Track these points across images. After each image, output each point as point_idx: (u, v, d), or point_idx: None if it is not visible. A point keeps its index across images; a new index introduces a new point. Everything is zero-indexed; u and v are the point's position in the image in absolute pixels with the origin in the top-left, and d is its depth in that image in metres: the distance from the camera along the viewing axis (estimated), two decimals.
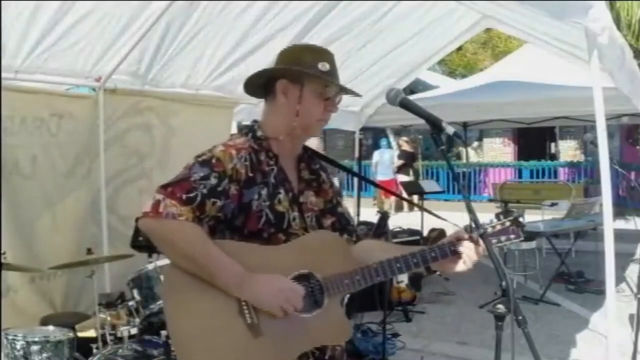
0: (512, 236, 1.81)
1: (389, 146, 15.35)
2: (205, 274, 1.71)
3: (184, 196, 1.71)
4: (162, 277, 1.83)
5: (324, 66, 1.88)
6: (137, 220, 1.79)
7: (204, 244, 1.71)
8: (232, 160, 1.79)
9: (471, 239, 1.76)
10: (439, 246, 1.79)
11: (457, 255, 1.77)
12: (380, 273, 1.78)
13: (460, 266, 1.79)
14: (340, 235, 1.96)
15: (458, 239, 1.78)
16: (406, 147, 14.28)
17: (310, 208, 1.93)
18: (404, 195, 13.12)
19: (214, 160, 1.78)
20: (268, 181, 1.84)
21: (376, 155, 14.58)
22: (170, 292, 1.79)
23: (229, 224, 1.80)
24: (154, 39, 4.19)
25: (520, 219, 1.83)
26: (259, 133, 1.90)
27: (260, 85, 1.96)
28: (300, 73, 1.86)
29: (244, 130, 1.95)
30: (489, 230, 1.79)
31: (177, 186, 1.74)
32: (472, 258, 1.76)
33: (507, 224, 1.81)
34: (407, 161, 14.15)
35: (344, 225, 2.01)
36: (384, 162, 14.35)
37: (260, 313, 1.73)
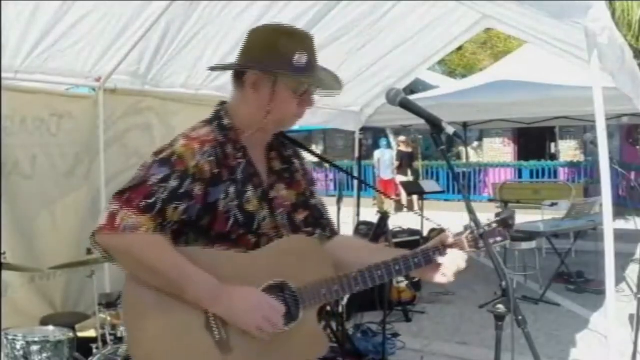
0: (499, 238, 1.73)
1: (389, 146, 15.38)
2: (174, 288, 1.56)
3: (142, 203, 1.54)
4: (124, 302, 1.66)
5: (301, 58, 1.66)
6: (92, 235, 1.58)
7: (170, 256, 1.56)
8: (194, 157, 1.61)
9: (457, 245, 1.69)
10: (423, 252, 1.70)
11: (439, 263, 1.69)
12: (360, 282, 1.66)
13: (440, 277, 1.71)
14: (314, 231, 1.82)
15: (442, 245, 1.70)
16: (403, 148, 14.30)
17: (281, 203, 1.77)
18: (403, 195, 13.18)
19: (174, 158, 1.60)
20: (236, 177, 1.67)
21: (377, 154, 14.64)
22: (130, 310, 1.62)
23: (194, 225, 1.63)
24: (154, 39, 4.19)
25: (510, 221, 1.75)
26: (226, 121, 1.72)
27: (233, 73, 1.77)
28: (273, 70, 1.66)
29: (210, 117, 1.76)
30: (476, 233, 1.70)
31: (134, 192, 1.56)
32: (453, 269, 1.69)
33: (494, 225, 1.73)
34: (405, 161, 14.16)
35: (317, 219, 1.85)
36: (385, 162, 14.41)
37: (230, 327, 1.59)
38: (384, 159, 14.50)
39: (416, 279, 5.80)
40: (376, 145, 15.50)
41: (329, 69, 1.79)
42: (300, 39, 1.71)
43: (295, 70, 1.66)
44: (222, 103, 1.79)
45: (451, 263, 1.69)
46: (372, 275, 1.67)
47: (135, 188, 1.57)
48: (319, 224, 1.85)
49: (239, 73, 1.72)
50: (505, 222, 1.74)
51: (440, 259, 1.69)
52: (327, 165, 16.87)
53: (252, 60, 1.69)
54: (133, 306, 1.60)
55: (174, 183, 1.58)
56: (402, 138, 14.26)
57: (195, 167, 1.60)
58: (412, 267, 1.69)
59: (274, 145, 1.82)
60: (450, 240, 1.71)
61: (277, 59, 1.65)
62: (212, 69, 1.89)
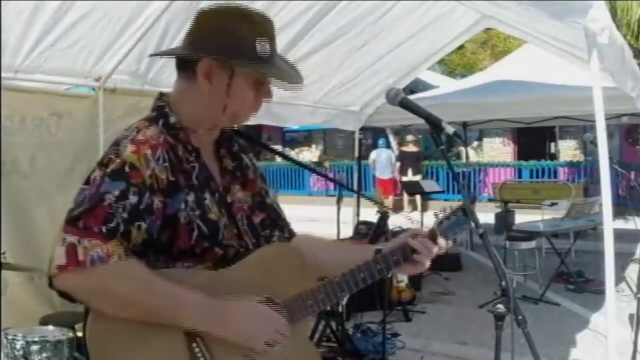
0: (465, 226, 1.68)
1: (388, 146, 15.39)
2: (162, 317, 1.36)
3: (103, 229, 1.32)
4: (90, 345, 1.40)
5: (263, 48, 1.47)
6: (50, 279, 1.40)
7: (152, 282, 1.36)
8: (149, 165, 1.40)
9: (431, 236, 1.64)
10: (401, 248, 1.62)
11: (416, 254, 1.62)
12: (345, 287, 1.55)
13: (416, 268, 1.65)
14: (272, 234, 1.69)
15: (414, 236, 1.65)
16: (410, 148, 14.16)
17: (240, 207, 1.60)
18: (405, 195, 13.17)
19: (127, 169, 1.37)
20: (192, 184, 1.48)
21: (373, 154, 14.66)
22: (99, 354, 1.37)
23: (154, 243, 1.42)
24: (154, 39, 4.19)
25: (468, 209, 1.69)
26: (173, 119, 1.50)
27: (177, 59, 1.57)
28: (232, 62, 1.46)
29: (153, 115, 1.54)
30: (439, 224, 1.66)
31: (90, 217, 1.32)
32: (429, 256, 1.62)
33: (453, 217, 1.68)
34: (411, 162, 14.10)
35: (274, 221, 1.71)
36: (382, 162, 14.44)
37: (218, 356, 1.41)
38: (380, 159, 14.53)
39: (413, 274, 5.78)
40: (375, 145, 15.53)
41: (285, 58, 1.62)
42: (261, 25, 1.51)
43: (256, 60, 1.47)
44: (163, 96, 1.58)
45: (425, 250, 1.62)
46: (355, 279, 1.56)
47: (90, 212, 1.33)
48: (276, 225, 1.72)
49: (187, 61, 1.51)
50: (462, 210, 1.68)
51: (418, 248, 1.63)
52: (327, 164, 16.88)
53: (206, 47, 1.47)
54: (103, 349, 1.37)
55: (133, 200, 1.36)
56: (410, 138, 14.18)
57: (152, 177, 1.40)
58: (392, 265, 1.61)
59: (221, 141, 1.63)
60: (424, 232, 1.66)
61: (235, 46, 1.45)
62: (156, 55, 1.68)
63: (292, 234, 1.76)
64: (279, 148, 18.19)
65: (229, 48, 1.45)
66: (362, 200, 7.91)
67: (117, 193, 1.35)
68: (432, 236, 1.64)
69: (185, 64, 1.52)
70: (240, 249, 1.56)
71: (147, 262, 1.41)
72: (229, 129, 1.65)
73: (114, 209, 1.34)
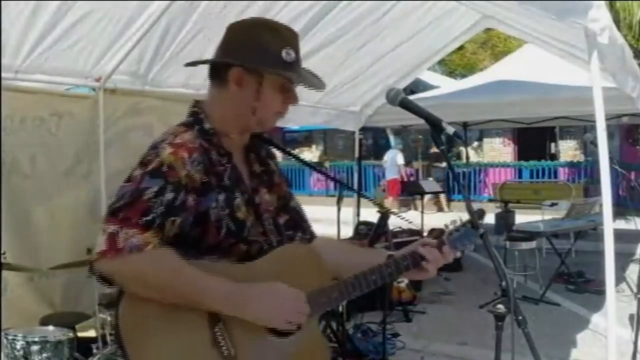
0: (473, 238, 1.76)
1: (397, 145, 15.45)
2: (190, 301, 1.48)
3: (141, 220, 1.45)
4: (121, 323, 1.51)
5: (289, 55, 1.62)
6: (91, 264, 1.49)
7: (182, 268, 1.48)
8: (185, 166, 1.53)
9: (437, 245, 1.74)
10: (412, 255, 1.73)
11: (424, 262, 1.73)
12: (357, 288, 1.67)
13: (422, 274, 1.77)
14: (295, 234, 1.81)
15: (424, 245, 1.75)
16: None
17: (266, 209, 1.73)
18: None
19: (164, 168, 1.51)
20: (223, 184, 1.61)
21: (386, 155, 14.79)
22: (131, 332, 1.48)
23: (185, 238, 1.55)
24: (154, 39, 4.19)
25: (479, 220, 1.76)
26: (207, 125, 1.64)
27: (209, 65, 1.71)
28: (261, 68, 1.60)
29: (189, 120, 1.67)
30: (448, 235, 1.75)
31: (130, 210, 1.45)
32: (436, 265, 1.73)
33: (462, 229, 1.76)
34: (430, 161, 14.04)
35: (297, 222, 1.84)
36: (388, 162, 14.52)
37: (238, 341, 1.53)
38: (388, 158, 14.59)
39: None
40: (387, 145, 15.62)
41: (308, 69, 1.75)
42: (286, 35, 1.66)
43: (283, 67, 1.61)
44: (198, 103, 1.71)
45: (433, 259, 1.73)
46: (367, 281, 1.68)
47: (130, 205, 1.46)
48: (299, 227, 1.84)
49: (220, 70, 1.65)
50: (472, 223, 1.75)
51: (428, 256, 1.73)
52: (327, 164, 16.88)
53: (236, 56, 1.62)
54: (134, 328, 1.49)
55: (169, 196, 1.49)
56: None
57: (187, 177, 1.53)
58: (402, 269, 1.73)
59: (251, 146, 1.77)
60: (433, 242, 1.75)
61: (264, 55, 1.60)
62: (191, 64, 1.79)
63: (312, 236, 1.88)
64: None
65: (257, 56, 1.60)
66: (362, 200, 7.92)
67: (155, 189, 1.48)
68: (440, 246, 1.74)
69: (218, 73, 1.66)
70: (264, 245, 1.68)
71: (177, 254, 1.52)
72: (258, 134, 1.77)
73: (151, 203, 1.47)
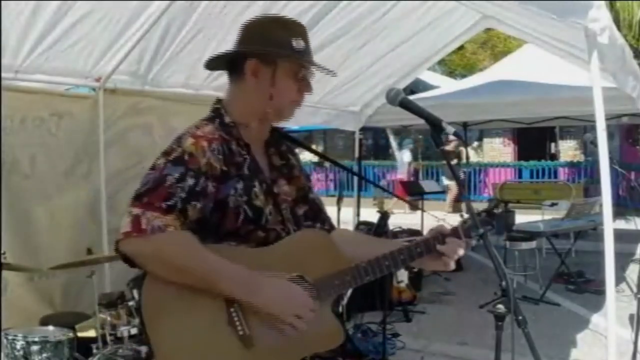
0: (487, 227, 1.79)
1: (407, 145, 15.42)
2: (206, 283, 1.56)
3: (163, 205, 1.55)
4: (143, 300, 1.62)
5: (298, 43, 1.73)
6: (116, 243, 1.58)
7: (200, 251, 1.57)
8: (205, 154, 1.63)
9: (453, 233, 1.76)
10: (425, 242, 1.76)
11: (439, 252, 1.75)
12: (370, 272, 1.72)
13: (440, 265, 1.77)
14: (314, 224, 1.89)
15: (441, 234, 1.77)
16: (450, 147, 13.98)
17: (285, 199, 1.82)
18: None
19: (186, 157, 1.61)
20: (242, 173, 1.70)
21: (399, 154, 14.80)
22: (152, 312, 1.59)
23: (205, 223, 1.64)
24: (154, 39, 4.19)
25: (496, 210, 1.83)
26: (227, 119, 1.75)
27: (224, 62, 1.81)
28: (274, 54, 1.71)
29: (211, 115, 1.78)
30: (462, 224, 1.77)
31: (153, 195, 1.56)
32: (454, 256, 1.74)
33: (477, 217, 1.77)
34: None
35: (316, 213, 1.91)
36: (400, 161, 14.54)
37: (252, 323, 1.60)
38: (400, 158, 14.60)
39: (416, 269, 5.80)
40: (401, 145, 15.61)
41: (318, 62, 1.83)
42: (294, 27, 1.78)
43: (293, 52, 1.71)
44: (219, 101, 1.81)
45: (451, 251, 1.75)
46: (380, 265, 1.73)
47: (153, 190, 1.57)
48: (318, 218, 1.91)
49: (237, 65, 1.75)
50: (490, 212, 1.81)
51: (440, 248, 1.75)
52: (327, 164, 16.87)
53: (251, 48, 1.74)
54: (154, 305, 1.59)
55: (190, 182, 1.58)
56: (452, 137, 13.95)
57: (207, 165, 1.62)
58: (415, 256, 1.76)
59: (271, 141, 1.86)
60: (448, 229, 1.78)
61: (275, 44, 1.71)
62: (209, 61, 1.83)
63: (331, 227, 1.95)
64: None
65: (269, 45, 1.71)
66: (362, 200, 7.93)
67: (176, 175, 1.58)
68: (455, 234, 1.76)
69: (235, 69, 1.77)
70: (282, 233, 1.76)
71: (197, 238, 1.60)
72: (276, 131, 1.87)
73: (173, 189, 1.57)
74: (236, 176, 1.68)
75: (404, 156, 14.70)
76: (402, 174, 14.52)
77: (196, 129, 1.69)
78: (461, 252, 1.75)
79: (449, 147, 13.81)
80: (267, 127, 1.83)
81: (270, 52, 1.71)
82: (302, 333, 1.64)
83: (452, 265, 1.77)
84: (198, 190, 1.59)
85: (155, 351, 1.58)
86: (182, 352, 1.56)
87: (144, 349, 3.10)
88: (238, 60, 1.75)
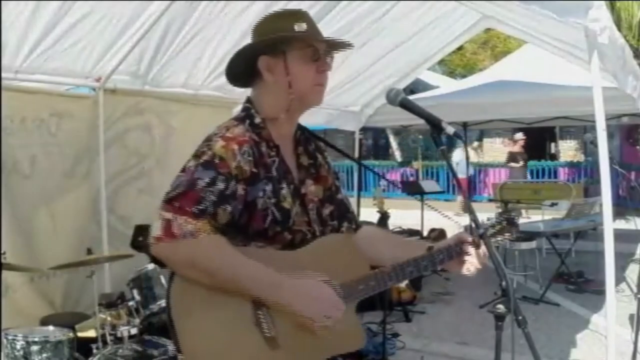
0: (507, 234, 1.91)
1: (460, 144, 15.30)
2: (236, 286, 1.58)
3: (195, 209, 1.56)
4: (171, 299, 1.63)
5: (300, 26, 1.72)
6: (148, 246, 1.61)
7: (231, 255, 1.58)
8: (235, 158, 1.63)
9: (473, 242, 1.80)
10: (447, 249, 1.81)
11: (461, 257, 1.81)
12: (394, 278, 1.75)
13: (462, 269, 1.83)
14: (340, 224, 1.89)
15: (461, 241, 1.82)
16: (513, 147, 13.69)
17: (311, 199, 1.82)
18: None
19: (217, 160, 1.61)
20: (271, 175, 1.71)
21: (455, 154, 14.57)
22: (180, 311, 1.60)
23: (234, 224, 1.65)
24: (154, 39, 4.19)
25: (515, 219, 1.92)
26: (257, 119, 1.76)
27: (242, 71, 1.81)
28: (276, 41, 1.71)
29: (241, 115, 1.78)
30: (490, 231, 1.85)
31: (184, 198, 1.56)
32: (476, 264, 1.80)
33: (504, 223, 1.89)
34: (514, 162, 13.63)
35: (343, 213, 1.92)
36: (460, 162, 14.34)
37: (278, 324, 1.62)
38: (457, 159, 14.40)
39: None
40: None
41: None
42: (295, 14, 1.78)
43: (296, 35, 1.72)
44: (249, 98, 1.82)
45: (475, 258, 1.80)
46: (403, 272, 1.76)
47: (184, 194, 1.57)
48: (345, 217, 1.92)
49: (252, 67, 1.76)
50: (512, 221, 1.90)
51: (465, 257, 1.81)
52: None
53: (257, 46, 1.75)
54: (181, 304, 1.60)
55: (220, 186, 1.59)
56: (518, 135, 13.29)
57: (237, 168, 1.63)
58: (437, 263, 1.81)
59: (300, 140, 1.87)
60: (469, 238, 1.82)
61: (278, 32, 1.72)
62: (230, 76, 1.85)
63: (358, 225, 1.96)
64: None
65: (272, 38, 1.71)
66: (362, 200, 7.93)
67: (207, 180, 1.59)
68: (476, 242, 1.80)
69: (252, 70, 1.77)
70: (307, 235, 1.77)
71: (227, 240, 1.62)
72: (304, 129, 1.89)
73: (204, 193, 1.57)
74: (265, 178, 1.69)
75: (455, 156, 14.49)
76: (461, 174, 14.16)
77: (226, 131, 1.69)
78: (480, 261, 1.80)
79: (515, 148, 13.42)
80: (296, 119, 1.83)
81: (272, 42, 1.71)
82: (326, 336, 1.65)
83: (474, 271, 1.82)
84: (228, 194, 1.60)
85: (182, 350, 1.60)
86: (208, 351, 1.57)
87: (170, 347, 3.11)
88: (252, 64, 1.76)
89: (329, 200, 1.88)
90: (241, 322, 1.60)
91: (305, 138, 1.90)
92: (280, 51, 1.72)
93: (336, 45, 1.79)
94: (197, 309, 1.59)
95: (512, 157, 13.45)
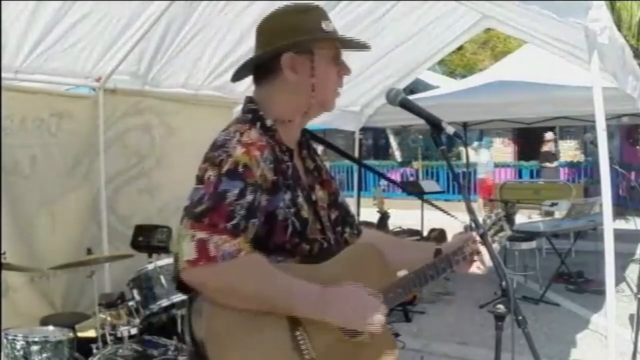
0: (502, 233, 1.93)
1: (487, 144, 15.32)
2: (278, 307, 1.45)
3: (228, 225, 1.39)
4: (205, 323, 1.46)
5: (328, 25, 1.62)
6: (178, 273, 1.41)
7: (271, 275, 1.45)
8: (259, 165, 1.48)
9: (482, 242, 1.80)
10: (461, 249, 1.82)
11: (472, 257, 1.83)
12: (417, 283, 1.73)
13: (473, 268, 1.85)
14: (344, 230, 1.81)
15: (472, 241, 1.83)
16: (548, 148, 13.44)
17: (322, 206, 1.71)
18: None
19: (240, 169, 1.45)
20: (289, 183, 1.58)
21: (482, 155, 14.57)
22: (214, 338, 1.44)
23: (254, 238, 1.48)
24: (154, 39, 4.19)
25: (512, 216, 2.01)
26: (269, 122, 1.60)
27: (253, 67, 1.67)
28: (309, 41, 1.59)
29: (248, 117, 1.61)
30: (488, 231, 1.86)
31: (215, 214, 1.39)
32: (485, 262, 1.81)
33: (500, 222, 1.92)
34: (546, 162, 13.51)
35: (344, 217, 1.83)
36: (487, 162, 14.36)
37: (318, 345, 1.50)
38: (484, 159, 14.41)
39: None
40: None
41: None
42: (317, 10, 1.66)
43: (329, 36, 1.63)
44: (252, 98, 1.67)
45: (484, 256, 1.81)
46: (425, 276, 1.74)
47: (214, 210, 1.40)
48: (346, 222, 1.84)
49: (269, 63, 1.62)
50: (507, 218, 1.92)
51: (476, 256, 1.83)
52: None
53: (282, 43, 1.60)
54: (219, 333, 1.44)
55: (249, 197, 1.44)
56: (549, 135, 13.22)
57: (261, 177, 1.48)
58: (452, 264, 1.80)
59: (302, 143, 1.75)
60: (477, 237, 1.80)
61: (308, 32, 1.60)
62: (237, 73, 1.72)
63: (359, 230, 1.89)
64: None
65: (303, 34, 1.59)
66: (362, 200, 7.93)
67: (236, 192, 1.42)
68: (484, 242, 1.79)
69: (266, 68, 1.63)
70: (323, 243, 1.65)
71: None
72: (306, 130, 1.78)
73: (234, 207, 1.41)
74: (283, 186, 1.56)
75: (483, 156, 14.45)
76: (485, 174, 14.16)
77: (241, 135, 1.52)
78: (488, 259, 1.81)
79: (546, 148, 13.18)
80: (304, 124, 1.72)
81: (307, 41, 1.59)
82: (361, 349, 1.58)
83: (484, 269, 1.83)
84: (256, 206, 1.45)
85: None
86: None
87: (170, 347, 3.16)
88: (269, 60, 1.62)
89: (334, 205, 1.79)
90: (281, 347, 1.47)
91: (306, 140, 1.78)
92: (308, 50, 1.60)
93: (349, 46, 1.72)
94: (233, 338, 1.43)
95: (545, 157, 13.28)
